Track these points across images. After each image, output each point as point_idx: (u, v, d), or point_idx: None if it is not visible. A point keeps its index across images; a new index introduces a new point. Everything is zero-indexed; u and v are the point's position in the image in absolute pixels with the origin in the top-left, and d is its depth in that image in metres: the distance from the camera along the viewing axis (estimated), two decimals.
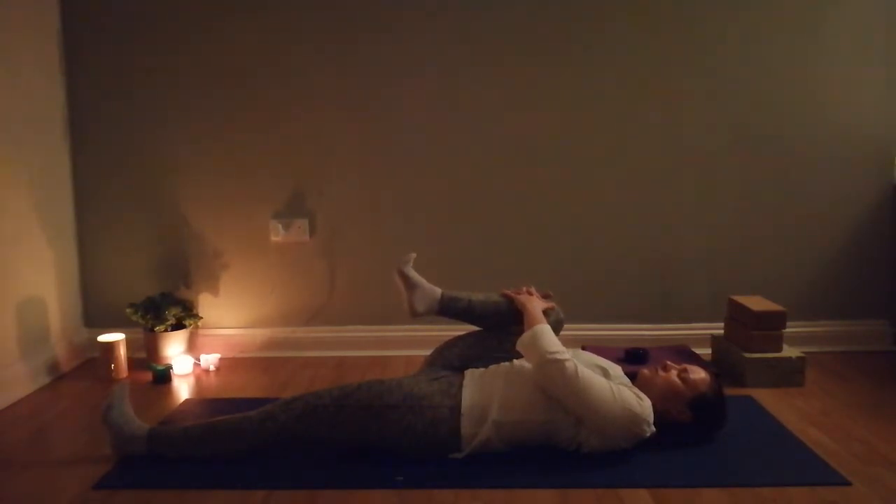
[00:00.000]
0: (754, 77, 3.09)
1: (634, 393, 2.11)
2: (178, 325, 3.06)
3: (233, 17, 3.07)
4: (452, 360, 2.33)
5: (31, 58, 2.90)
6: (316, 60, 3.09)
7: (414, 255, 2.37)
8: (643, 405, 2.08)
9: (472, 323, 2.39)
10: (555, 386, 2.06)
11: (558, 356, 2.06)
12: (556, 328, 2.31)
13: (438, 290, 2.35)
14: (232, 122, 3.13)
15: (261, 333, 3.23)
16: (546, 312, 2.29)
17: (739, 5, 3.06)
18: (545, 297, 2.37)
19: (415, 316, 2.34)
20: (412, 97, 3.11)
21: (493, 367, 2.25)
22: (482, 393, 2.13)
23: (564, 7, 3.06)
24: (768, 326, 2.77)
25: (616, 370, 2.23)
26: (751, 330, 2.77)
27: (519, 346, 2.18)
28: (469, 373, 2.23)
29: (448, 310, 2.35)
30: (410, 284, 2.33)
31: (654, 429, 2.10)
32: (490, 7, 3.06)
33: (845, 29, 3.08)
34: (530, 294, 2.35)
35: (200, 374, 2.99)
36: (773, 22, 3.07)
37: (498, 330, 2.35)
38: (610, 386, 2.08)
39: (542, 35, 3.08)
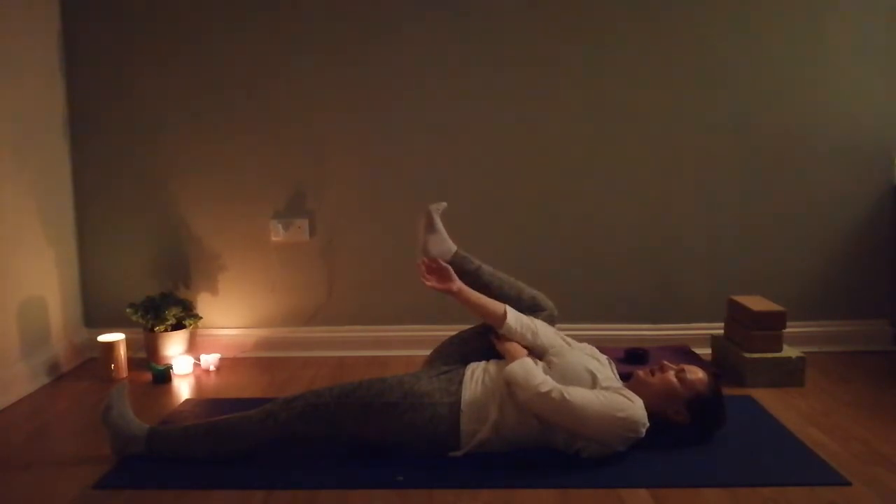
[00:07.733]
0: (755, 78, 3.10)
1: (624, 395, 2.09)
2: (178, 325, 3.06)
3: (233, 18, 3.07)
4: (452, 354, 2.33)
5: (31, 58, 2.90)
6: (316, 61, 3.10)
7: (445, 204, 2.44)
8: (635, 406, 2.07)
9: (476, 289, 2.36)
10: (547, 415, 2.07)
11: (541, 388, 2.05)
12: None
13: (455, 246, 2.41)
14: (232, 123, 3.13)
15: (261, 333, 3.23)
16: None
17: (741, 6, 3.07)
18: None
19: (426, 255, 2.37)
20: (412, 98, 3.12)
21: (493, 362, 2.25)
22: (483, 390, 2.13)
23: (567, 8, 3.06)
24: (768, 326, 2.77)
25: (605, 371, 2.19)
26: (751, 330, 2.77)
27: (505, 377, 2.13)
28: (471, 368, 2.23)
29: (458, 265, 2.37)
30: (433, 228, 2.40)
31: (647, 424, 2.08)
32: (490, 9, 3.06)
33: (845, 29, 3.08)
34: None
35: (200, 374, 2.99)
36: (774, 22, 3.07)
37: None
38: (598, 397, 2.05)
39: (545, 36, 3.08)
